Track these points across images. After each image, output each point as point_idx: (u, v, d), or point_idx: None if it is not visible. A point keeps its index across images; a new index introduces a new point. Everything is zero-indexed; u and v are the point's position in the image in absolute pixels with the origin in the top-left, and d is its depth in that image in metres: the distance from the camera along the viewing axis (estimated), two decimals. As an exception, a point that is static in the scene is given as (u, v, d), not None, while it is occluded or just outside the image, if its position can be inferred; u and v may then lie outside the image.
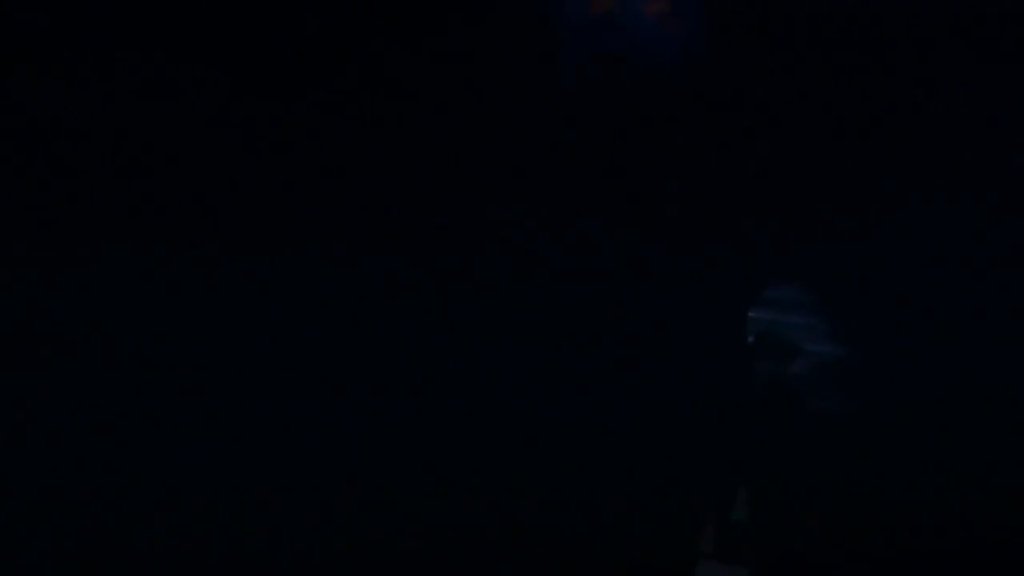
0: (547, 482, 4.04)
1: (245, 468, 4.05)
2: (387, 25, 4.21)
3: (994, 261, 4.53)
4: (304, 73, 4.22)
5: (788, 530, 4.05)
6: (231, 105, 4.16)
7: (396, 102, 4.26)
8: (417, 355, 4.29)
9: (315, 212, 4.26)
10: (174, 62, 4.10)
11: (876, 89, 4.50)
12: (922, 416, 4.35)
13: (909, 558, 4.09)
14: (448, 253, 4.32)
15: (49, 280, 4.02)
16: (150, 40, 4.09)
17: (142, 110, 4.12)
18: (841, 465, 4.27)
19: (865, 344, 4.51)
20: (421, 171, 4.36)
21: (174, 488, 4.00)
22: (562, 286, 4.37)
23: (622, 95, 4.38)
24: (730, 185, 4.45)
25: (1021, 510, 4.17)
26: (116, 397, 4.03)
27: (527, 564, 3.93)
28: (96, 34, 4.02)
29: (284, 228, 4.24)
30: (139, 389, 4.06)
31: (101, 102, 4.03)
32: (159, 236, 4.14)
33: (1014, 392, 4.39)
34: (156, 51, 4.09)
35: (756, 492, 4.10)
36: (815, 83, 4.51)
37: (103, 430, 3.98)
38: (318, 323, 4.22)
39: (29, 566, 3.81)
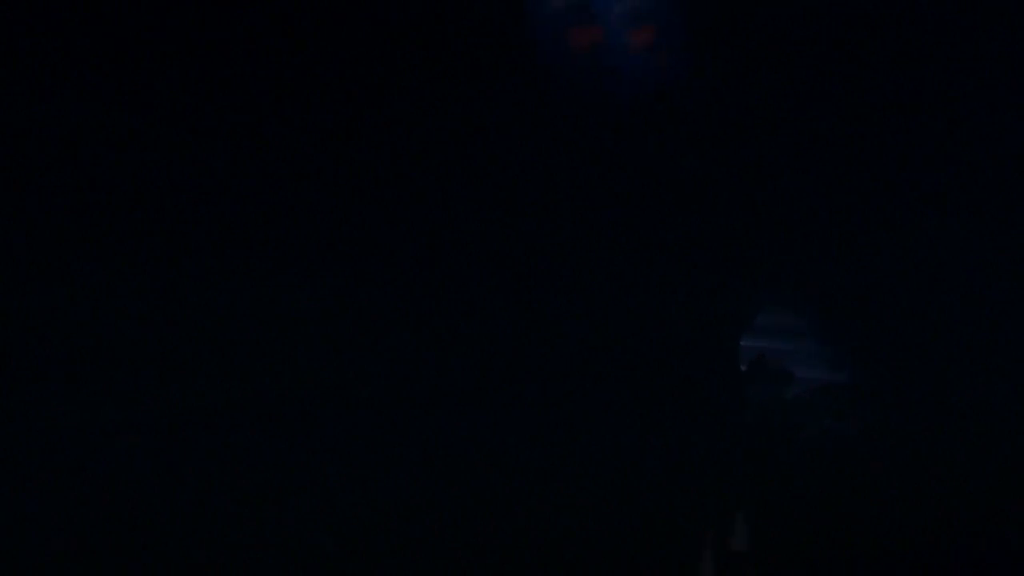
0: (547, 509, 4.14)
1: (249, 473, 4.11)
2: (381, 72, 4.18)
3: (979, 290, 4.65)
4: (303, 82, 4.17)
5: (786, 556, 4.21)
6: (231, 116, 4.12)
7: (391, 150, 4.23)
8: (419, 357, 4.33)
9: (320, 221, 4.25)
10: (173, 70, 4.05)
11: (866, 125, 4.55)
12: (913, 437, 4.48)
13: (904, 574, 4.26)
14: (448, 260, 4.34)
15: (52, 289, 4.01)
16: (149, 46, 4.03)
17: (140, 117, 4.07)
18: (836, 488, 4.41)
19: (856, 370, 4.62)
20: (423, 191, 4.35)
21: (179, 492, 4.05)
22: (556, 326, 4.41)
23: (617, 123, 4.38)
24: (724, 213, 4.50)
25: (1012, 526, 4.35)
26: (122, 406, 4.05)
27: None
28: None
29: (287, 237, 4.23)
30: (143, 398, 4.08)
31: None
32: (157, 245, 4.11)
33: (1000, 414, 4.54)
34: (156, 58, 4.03)
35: (754, 520, 4.25)
36: (808, 119, 4.55)
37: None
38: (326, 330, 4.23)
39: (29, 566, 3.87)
